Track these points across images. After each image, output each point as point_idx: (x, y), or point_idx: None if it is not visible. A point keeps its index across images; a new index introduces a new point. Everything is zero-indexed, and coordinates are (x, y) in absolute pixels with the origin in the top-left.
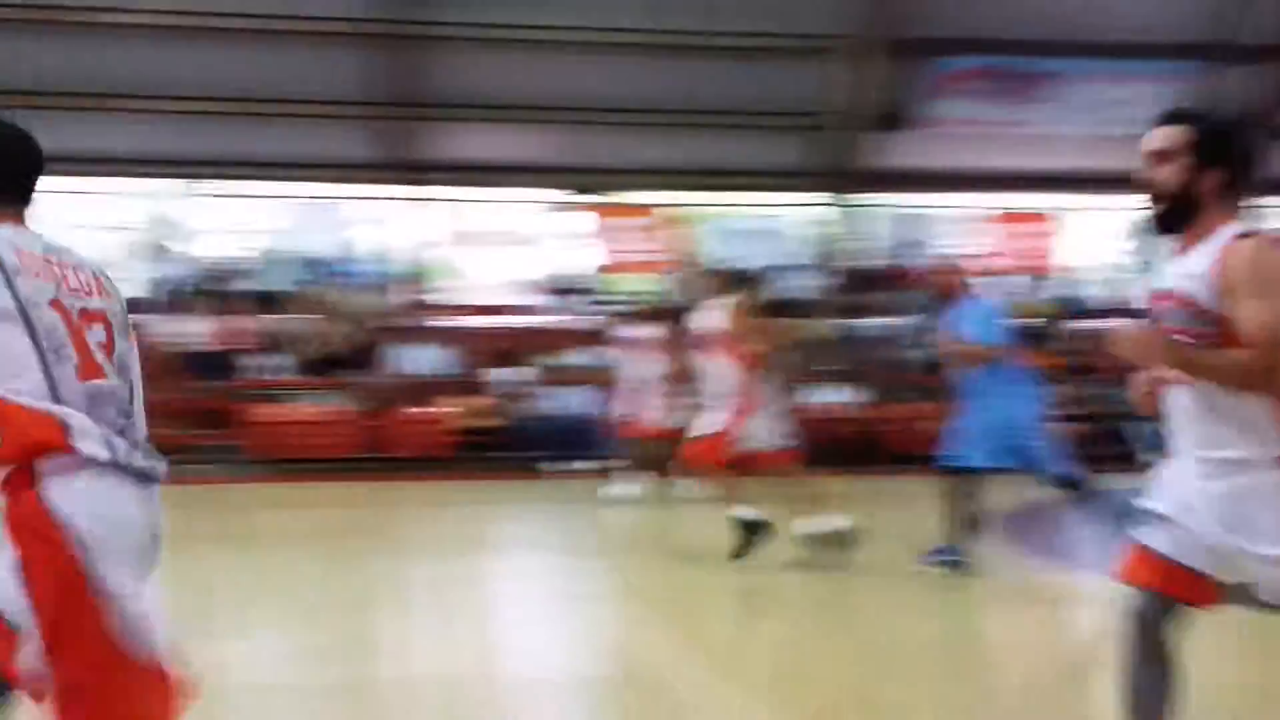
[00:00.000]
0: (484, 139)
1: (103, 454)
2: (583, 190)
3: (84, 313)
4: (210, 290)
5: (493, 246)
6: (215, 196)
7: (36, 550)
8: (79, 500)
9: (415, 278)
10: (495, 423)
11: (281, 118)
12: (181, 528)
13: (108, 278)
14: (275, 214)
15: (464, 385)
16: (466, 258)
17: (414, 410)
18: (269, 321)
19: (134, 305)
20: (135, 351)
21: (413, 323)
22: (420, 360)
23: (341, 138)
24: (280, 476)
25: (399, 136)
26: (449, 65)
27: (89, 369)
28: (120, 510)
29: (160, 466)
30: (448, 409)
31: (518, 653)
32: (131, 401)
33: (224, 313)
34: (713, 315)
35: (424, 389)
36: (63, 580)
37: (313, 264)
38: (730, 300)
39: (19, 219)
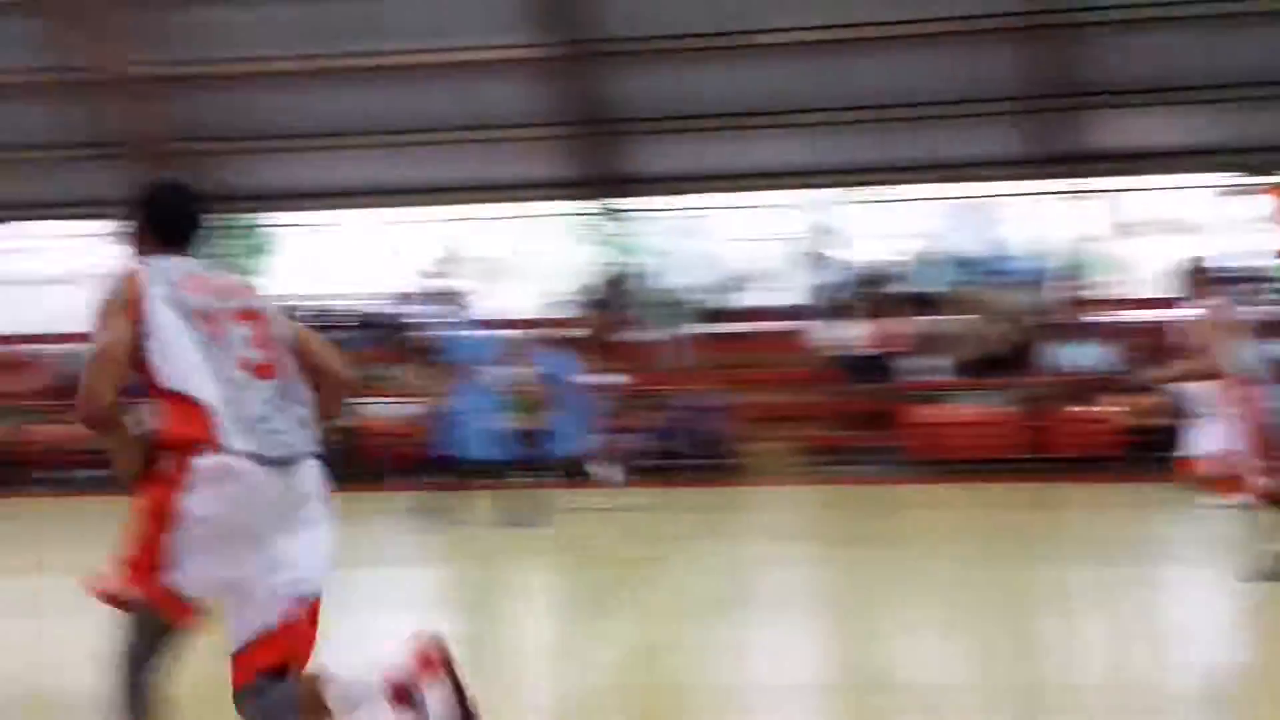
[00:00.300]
0: (1145, 124)
1: (239, 445)
2: (1254, 172)
3: (235, 315)
4: (867, 294)
5: (1156, 236)
6: (869, 202)
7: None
8: (208, 490)
9: (1073, 273)
10: (1163, 421)
11: (931, 120)
12: (842, 528)
13: (254, 288)
14: (927, 216)
15: (1128, 383)
16: (1128, 249)
17: (1076, 409)
18: (925, 323)
19: (795, 312)
20: (287, 349)
21: (1072, 319)
22: (1081, 357)
23: (993, 136)
24: (940, 478)
25: (1052, 129)
26: (1112, 47)
27: (237, 364)
28: (250, 495)
29: (306, 446)
30: (1112, 407)
31: (1180, 666)
32: (281, 392)
33: (880, 316)
34: None
35: (1086, 387)
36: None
37: (967, 264)
38: None
39: (182, 252)
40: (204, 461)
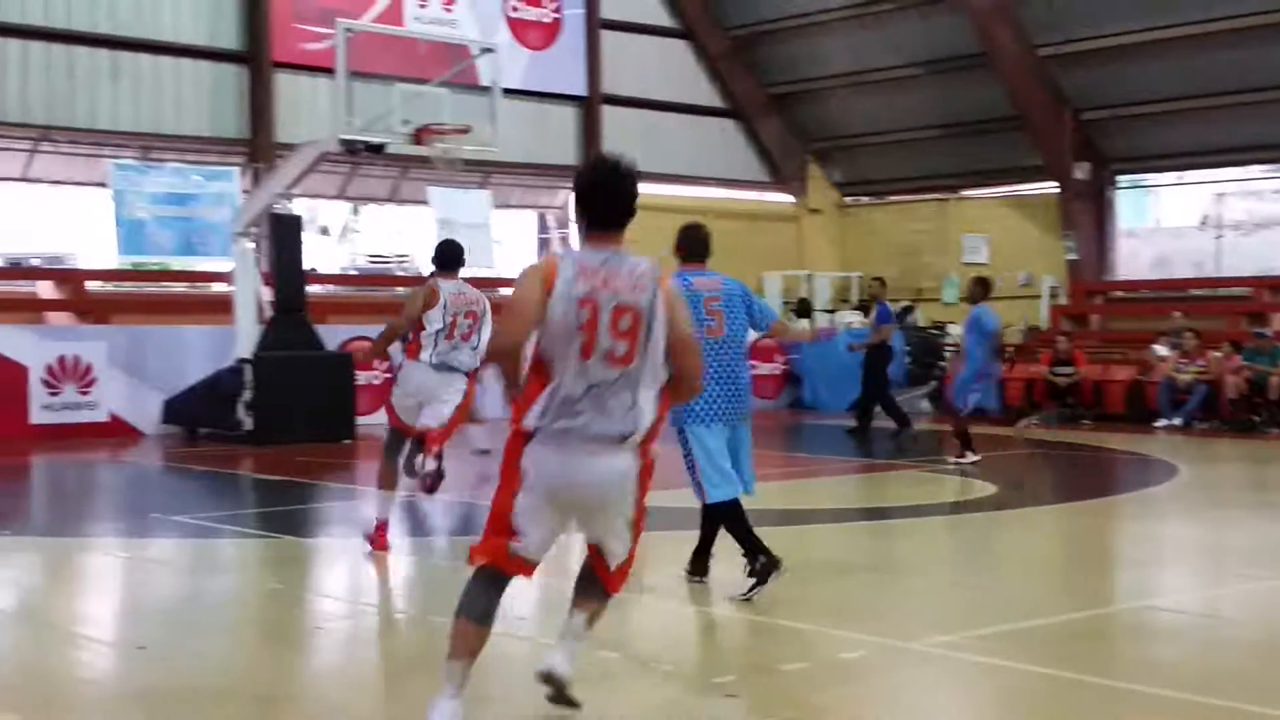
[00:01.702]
0: None
1: (560, 425)
2: None
3: (616, 307)
4: None
5: None
6: None
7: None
8: (534, 457)
9: None
10: None
11: None
12: None
13: (650, 281)
14: None
15: None
16: None
17: None
18: None
19: None
20: (661, 340)
21: None
22: None
23: None
24: None
25: None
26: None
27: (588, 350)
28: (564, 468)
29: (626, 429)
30: None
31: None
32: (625, 380)
33: None
34: None
35: None
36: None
37: None
38: None
39: (601, 241)
40: (530, 429)
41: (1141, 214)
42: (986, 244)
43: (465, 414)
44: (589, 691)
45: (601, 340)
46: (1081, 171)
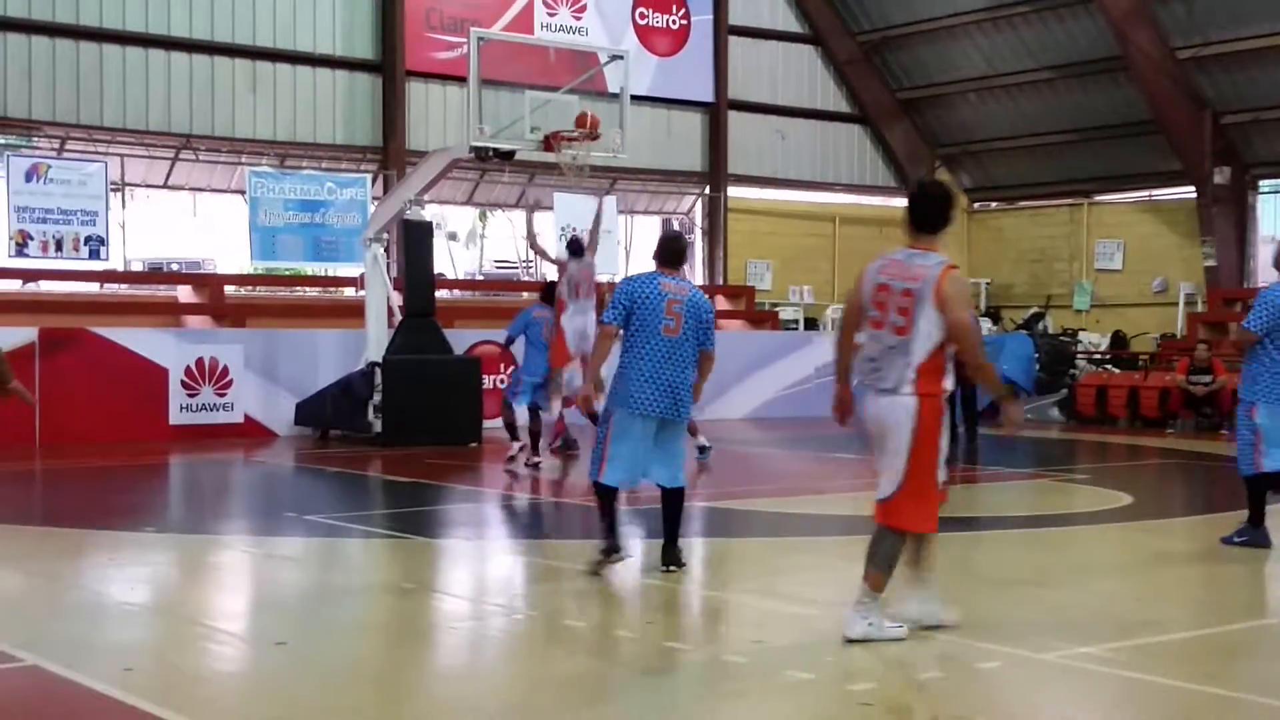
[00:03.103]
0: None
1: (856, 379)
2: None
3: (901, 292)
4: None
5: None
6: None
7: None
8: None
9: None
10: None
11: None
12: None
13: (928, 270)
14: None
15: None
16: None
17: None
18: None
19: None
20: (932, 315)
21: None
22: None
23: None
24: None
25: None
26: None
27: (879, 324)
28: (868, 411)
29: (892, 384)
30: None
31: None
32: (903, 347)
33: None
34: None
35: None
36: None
37: None
38: None
39: (927, 245)
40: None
41: None
42: (1121, 250)
43: None
44: (722, 700)
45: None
46: (1221, 176)
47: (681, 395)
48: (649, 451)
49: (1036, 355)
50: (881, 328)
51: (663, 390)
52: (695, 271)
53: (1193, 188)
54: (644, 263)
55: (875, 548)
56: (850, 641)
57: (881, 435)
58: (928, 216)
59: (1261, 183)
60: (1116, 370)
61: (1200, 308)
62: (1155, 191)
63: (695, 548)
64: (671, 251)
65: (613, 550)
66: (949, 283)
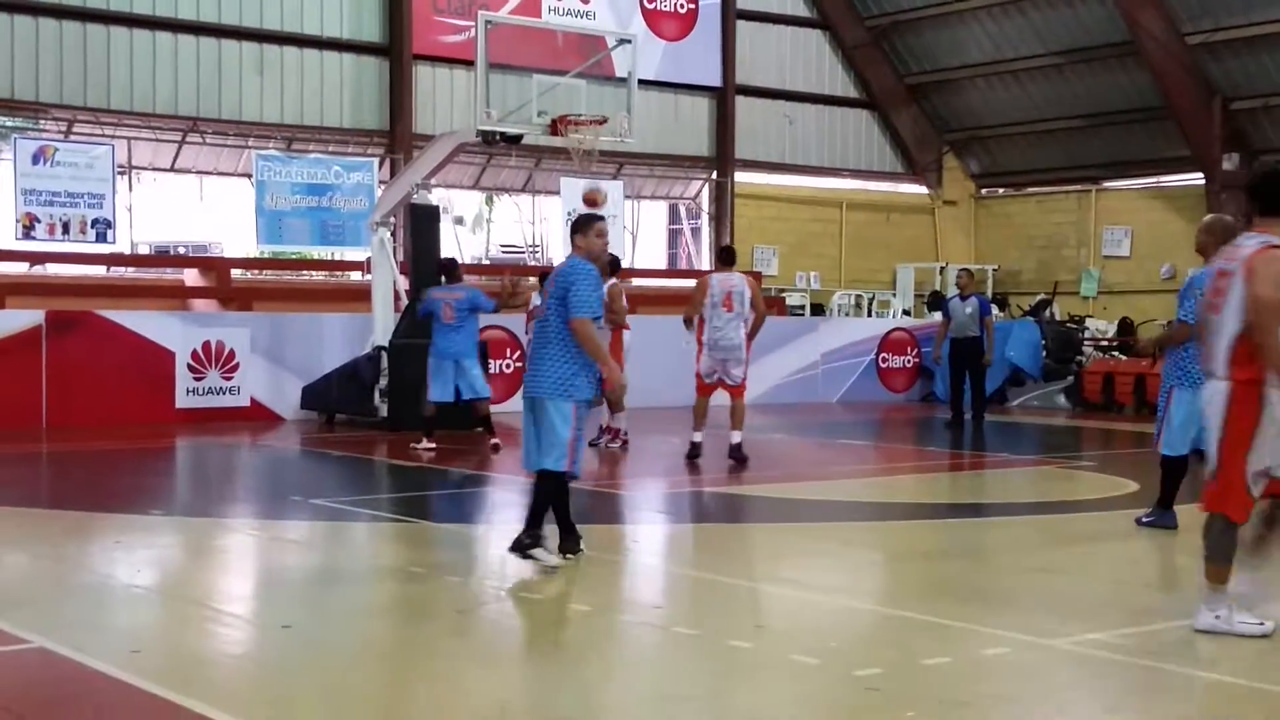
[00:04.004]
0: None
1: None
2: None
3: (1221, 273)
4: None
5: None
6: None
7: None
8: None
9: None
10: None
11: None
12: None
13: (1247, 249)
14: None
15: None
16: None
17: None
18: None
19: None
20: (1242, 294)
21: None
22: None
23: None
24: None
25: None
26: None
27: (1212, 309)
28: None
29: (1213, 368)
30: None
31: None
32: (1219, 328)
33: None
34: None
35: None
36: None
37: None
38: None
39: (1265, 228)
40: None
41: None
42: (1129, 236)
43: None
44: (729, 684)
45: None
46: (1230, 162)
47: (538, 374)
48: (529, 435)
49: (1043, 342)
50: (1213, 311)
51: (528, 372)
52: (702, 257)
53: (1201, 174)
54: (649, 248)
55: (1203, 537)
56: (1197, 632)
57: (1206, 418)
58: (1274, 199)
59: None
60: (1123, 357)
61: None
62: (1164, 178)
63: (700, 533)
64: (573, 227)
65: (535, 543)
66: (1261, 260)
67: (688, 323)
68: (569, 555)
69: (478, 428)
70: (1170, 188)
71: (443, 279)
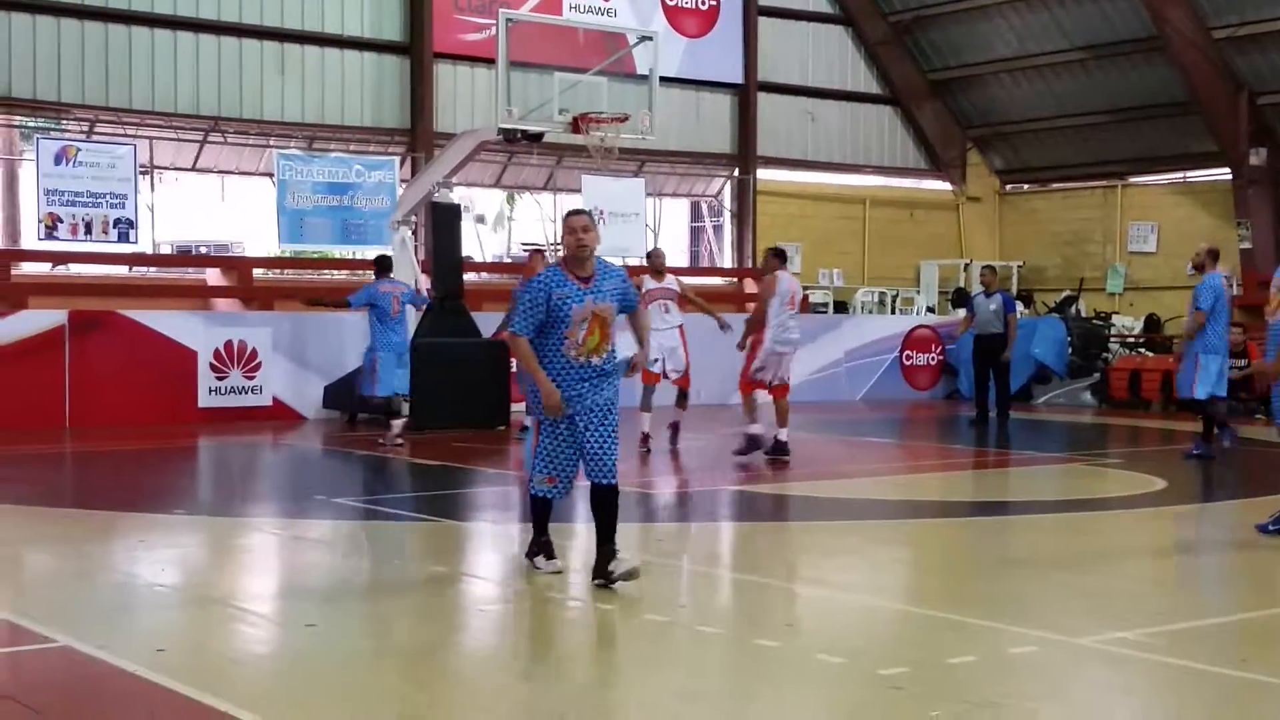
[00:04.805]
0: None
1: None
2: None
3: None
4: None
5: None
6: None
7: None
8: None
9: None
10: None
11: None
12: None
13: None
14: None
15: None
16: None
17: None
18: None
19: None
20: None
21: None
22: None
23: None
24: None
25: None
26: None
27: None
28: None
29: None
30: None
31: None
32: None
33: None
34: None
35: None
36: None
37: None
38: None
39: None
40: None
41: None
42: (1155, 232)
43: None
44: (753, 682)
45: None
46: (1257, 157)
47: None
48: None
49: (1069, 339)
50: None
51: None
52: (724, 254)
53: (1228, 169)
54: (670, 244)
55: None
56: None
57: None
58: None
59: None
60: (1150, 354)
61: (1235, 291)
62: (1190, 173)
63: (725, 532)
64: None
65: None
66: None
67: (756, 324)
68: (537, 563)
69: (394, 420)
70: (1197, 183)
71: (382, 273)
